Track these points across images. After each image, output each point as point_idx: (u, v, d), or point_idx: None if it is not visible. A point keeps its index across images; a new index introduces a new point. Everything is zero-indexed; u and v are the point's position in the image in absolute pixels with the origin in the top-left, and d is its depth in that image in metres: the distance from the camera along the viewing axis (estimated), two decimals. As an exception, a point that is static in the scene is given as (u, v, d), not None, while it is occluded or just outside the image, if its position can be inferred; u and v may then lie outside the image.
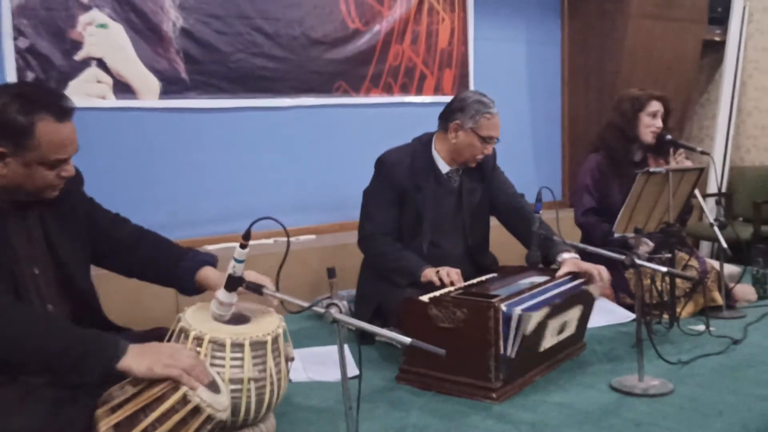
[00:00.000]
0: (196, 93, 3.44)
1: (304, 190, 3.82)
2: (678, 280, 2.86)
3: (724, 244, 2.78)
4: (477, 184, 2.72)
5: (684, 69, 5.03)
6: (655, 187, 2.55)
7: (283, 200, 3.72)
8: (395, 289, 2.43)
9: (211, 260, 1.82)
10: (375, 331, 1.55)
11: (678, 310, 2.71)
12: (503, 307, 2.00)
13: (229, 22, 3.51)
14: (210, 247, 3.30)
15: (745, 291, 3.12)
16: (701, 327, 2.61)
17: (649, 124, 3.07)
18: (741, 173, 5.06)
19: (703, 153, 2.98)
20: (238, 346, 1.57)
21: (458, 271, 2.42)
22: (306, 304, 1.58)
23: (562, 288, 2.28)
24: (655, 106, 3.08)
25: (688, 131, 5.62)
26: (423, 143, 2.70)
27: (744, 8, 5.11)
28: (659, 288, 2.75)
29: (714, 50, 5.30)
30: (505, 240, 2.78)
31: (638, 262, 2.08)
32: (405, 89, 4.25)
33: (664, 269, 2.10)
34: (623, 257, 2.09)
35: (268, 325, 1.69)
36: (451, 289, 2.29)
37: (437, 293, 2.21)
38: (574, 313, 2.31)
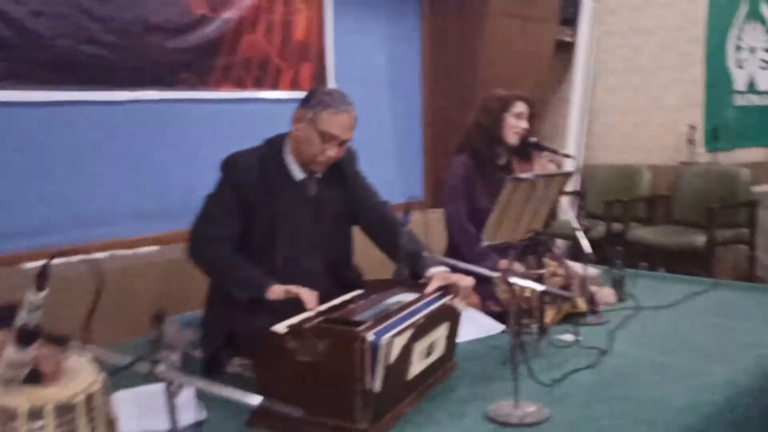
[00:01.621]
0: (9, 83, 2.94)
1: (144, 196, 3.42)
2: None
3: (588, 249, 2.74)
4: (336, 192, 2.48)
5: (539, 68, 5.08)
6: (523, 193, 2.44)
7: (119, 207, 3.30)
8: (249, 315, 2.14)
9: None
10: (212, 391, 1.27)
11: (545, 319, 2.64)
12: (370, 336, 1.78)
13: (49, 1, 3.03)
14: (31, 265, 2.83)
15: (605, 294, 3.11)
16: (569, 337, 2.54)
17: (514, 126, 2.98)
18: (592, 172, 5.20)
19: (566, 156, 2.93)
20: (35, 414, 1.23)
21: (315, 293, 2.17)
22: (126, 360, 1.26)
23: (431, 307, 2.10)
24: (521, 107, 3.00)
25: (542, 130, 5.71)
26: (274, 146, 2.42)
27: (593, 10, 5.25)
28: (527, 295, 2.68)
29: (565, 51, 5.41)
30: (371, 252, 2.57)
31: (512, 280, 1.93)
32: (259, 83, 3.94)
33: (541, 287, 1.97)
34: (496, 275, 1.94)
35: (82, 380, 1.35)
36: (311, 314, 2.04)
37: (296, 319, 1.95)
38: (441, 332, 2.14)
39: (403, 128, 4.83)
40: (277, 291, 2.16)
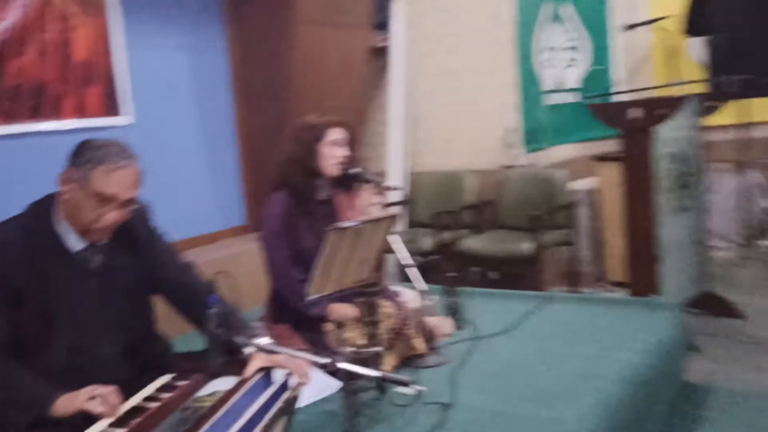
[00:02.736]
0: None
1: None
2: (379, 332, 2.57)
3: (423, 286, 2.54)
4: (127, 259, 2.06)
5: (355, 76, 4.88)
6: (348, 240, 2.18)
7: None
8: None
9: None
10: None
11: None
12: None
13: None
14: None
15: (443, 325, 2.96)
16: (410, 389, 2.32)
17: (330, 156, 2.71)
18: (419, 179, 5.09)
19: (392, 188, 2.71)
20: None
21: (114, 390, 1.78)
22: None
23: (259, 398, 1.77)
24: (336, 133, 2.73)
25: (365, 139, 5.53)
26: (41, 212, 1.96)
27: (404, 14, 5.12)
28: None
29: (380, 56, 5.24)
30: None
31: (342, 366, 1.66)
32: (35, 113, 3.36)
33: (376, 374, 1.72)
34: (327, 361, 1.66)
35: None
36: (104, 428, 1.64)
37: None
38: (278, 429, 1.82)
39: (216, 148, 4.42)
40: (65, 404, 1.74)
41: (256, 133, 4.54)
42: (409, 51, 5.16)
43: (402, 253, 2.60)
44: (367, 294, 2.20)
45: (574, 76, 5.59)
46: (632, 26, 3.79)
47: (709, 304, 4.03)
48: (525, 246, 4.08)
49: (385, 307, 2.66)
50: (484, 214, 4.79)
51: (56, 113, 3.43)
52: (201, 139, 4.32)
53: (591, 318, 3.02)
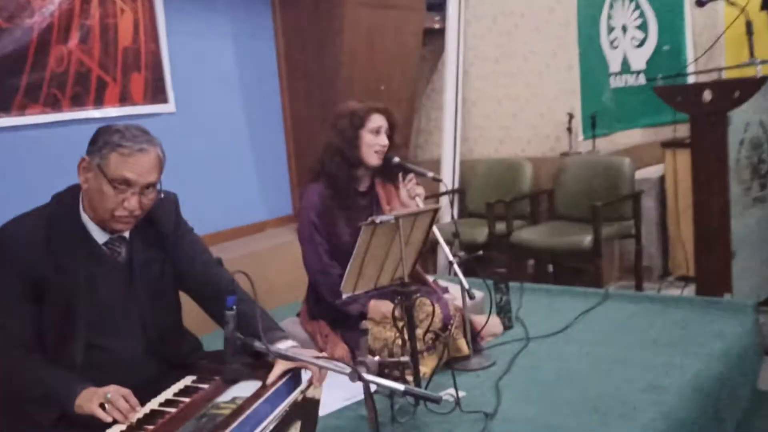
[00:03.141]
0: None
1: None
2: (419, 333, 2.42)
3: (467, 285, 2.37)
4: (153, 253, 1.97)
5: (408, 60, 4.71)
6: (384, 237, 2.03)
7: None
8: None
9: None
10: None
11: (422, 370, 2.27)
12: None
13: None
14: None
15: (491, 325, 2.77)
16: (450, 395, 2.17)
17: (372, 143, 2.55)
18: (471, 167, 4.89)
19: (435, 179, 2.54)
20: None
21: (128, 394, 1.69)
22: None
23: (282, 405, 1.66)
24: (377, 120, 2.57)
25: (417, 125, 5.36)
26: (66, 203, 1.88)
27: (460, -6, 4.90)
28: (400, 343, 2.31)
29: (435, 38, 5.06)
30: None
31: (367, 377, 1.52)
32: (78, 101, 3.32)
33: (401, 388, 1.57)
34: (348, 372, 1.52)
35: None
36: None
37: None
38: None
39: (263, 137, 4.33)
40: (87, 405, 1.68)
41: (303, 121, 4.43)
42: (464, 32, 4.95)
43: (446, 248, 2.42)
44: (403, 294, 2.04)
45: (641, 57, 5.26)
46: (704, 2, 3.47)
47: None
48: (584, 239, 3.84)
49: (426, 305, 2.51)
50: (540, 204, 4.56)
51: (100, 101, 3.39)
52: (247, 128, 4.24)
53: (652, 319, 2.78)
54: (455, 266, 2.40)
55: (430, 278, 2.94)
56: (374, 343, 2.44)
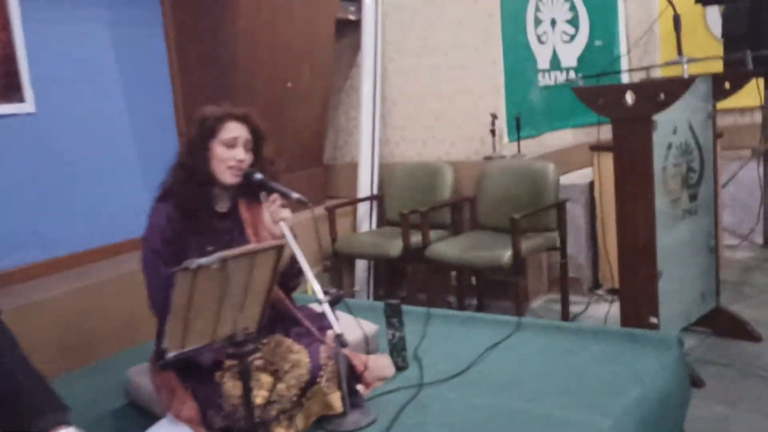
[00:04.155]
0: None
1: None
2: (282, 387, 2.02)
3: (338, 329, 1.96)
4: None
5: (319, 52, 4.28)
6: (213, 282, 1.61)
7: None
8: None
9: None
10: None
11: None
12: None
13: None
14: None
15: (380, 365, 2.39)
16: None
17: (225, 158, 2.13)
18: (391, 171, 4.49)
19: (300, 202, 2.12)
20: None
21: None
22: None
23: None
24: (234, 130, 2.15)
25: (336, 124, 4.94)
26: None
27: (376, -18, 4.49)
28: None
29: (353, 30, 4.64)
30: None
31: None
32: None
33: None
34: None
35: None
36: None
37: None
38: None
39: (152, 139, 3.84)
40: None
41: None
42: (382, 24, 4.54)
43: (316, 285, 2.01)
44: (235, 355, 1.63)
45: (572, 53, 4.94)
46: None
47: (719, 324, 3.43)
48: (503, 254, 3.48)
49: (294, 352, 2.10)
50: (463, 212, 4.19)
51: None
52: (130, 129, 3.75)
53: (565, 357, 2.43)
54: (325, 307, 1.99)
55: (317, 308, 2.55)
56: (231, 400, 2.03)
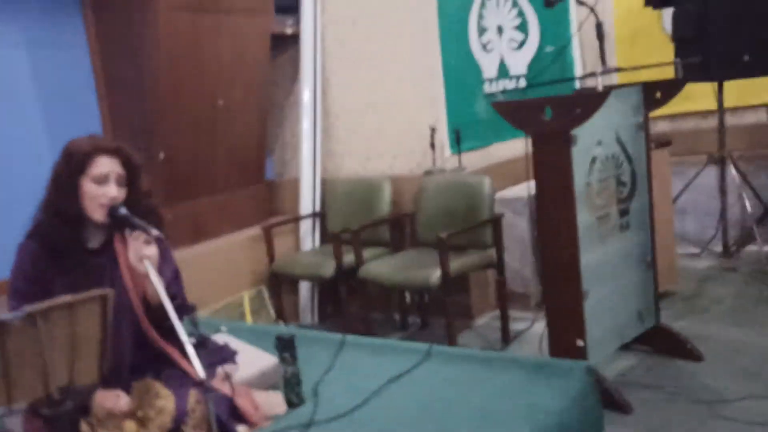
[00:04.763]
0: None
1: None
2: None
3: (201, 373, 1.84)
4: None
5: (252, 69, 4.17)
6: (27, 337, 1.49)
7: None
8: None
9: None
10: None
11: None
12: None
13: None
14: None
15: (270, 402, 2.27)
16: None
17: (96, 195, 2.02)
18: (332, 187, 4.38)
19: (158, 239, 2.00)
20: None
21: None
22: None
23: None
24: (105, 165, 2.04)
25: (282, 139, 4.84)
26: None
27: (312, -5, 4.38)
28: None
29: (292, 44, 4.53)
30: None
31: None
32: None
33: None
34: None
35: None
36: None
37: None
38: None
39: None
40: None
41: (127, 140, 3.85)
42: (321, 37, 4.43)
43: (179, 328, 1.89)
44: (55, 410, 1.51)
45: (521, 60, 4.83)
46: (553, 2, 3.03)
47: (659, 342, 3.31)
48: (432, 273, 3.36)
49: (162, 397, 1.99)
50: (403, 229, 4.07)
51: None
52: (52, 153, 3.64)
53: (466, 391, 2.31)
54: (189, 348, 1.87)
55: (221, 339, 2.45)
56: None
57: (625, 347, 3.28)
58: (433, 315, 4.06)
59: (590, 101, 2.70)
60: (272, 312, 4.06)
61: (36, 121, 3.58)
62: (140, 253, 1.98)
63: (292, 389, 2.32)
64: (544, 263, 2.93)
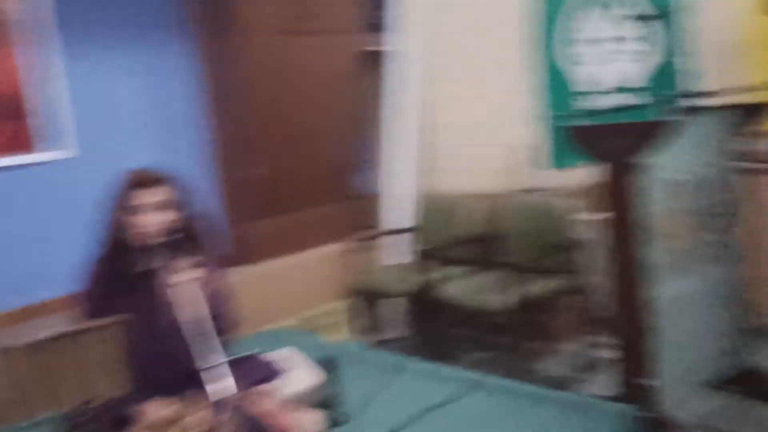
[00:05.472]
0: None
1: None
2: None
3: (215, 396, 1.96)
4: None
5: (341, 87, 4.30)
6: (64, 354, 1.68)
7: None
8: None
9: None
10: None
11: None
12: None
13: None
14: None
15: (307, 421, 2.36)
16: None
17: (136, 224, 2.22)
18: (427, 203, 4.40)
19: (207, 262, 2.14)
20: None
21: None
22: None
23: None
24: (141, 196, 2.23)
25: (379, 154, 4.92)
26: None
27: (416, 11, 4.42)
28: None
29: (391, 60, 4.60)
30: None
31: None
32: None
33: None
34: None
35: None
36: None
37: None
38: None
39: (192, 175, 4.05)
40: None
41: (230, 157, 4.14)
42: (422, 52, 4.47)
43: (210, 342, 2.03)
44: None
45: (639, 72, 4.57)
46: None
47: (750, 384, 3.04)
48: (506, 299, 3.31)
49: (198, 411, 2.14)
50: (489, 250, 4.01)
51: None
52: (171, 167, 3.99)
53: (507, 422, 2.28)
54: (218, 371, 2.00)
55: (273, 354, 2.59)
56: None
57: (715, 388, 3.04)
58: (518, 336, 3.97)
59: (663, 127, 2.54)
60: (353, 326, 4.17)
61: (152, 143, 3.92)
62: (179, 277, 2.14)
63: (333, 409, 2.41)
64: (613, 295, 2.80)
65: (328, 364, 2.40)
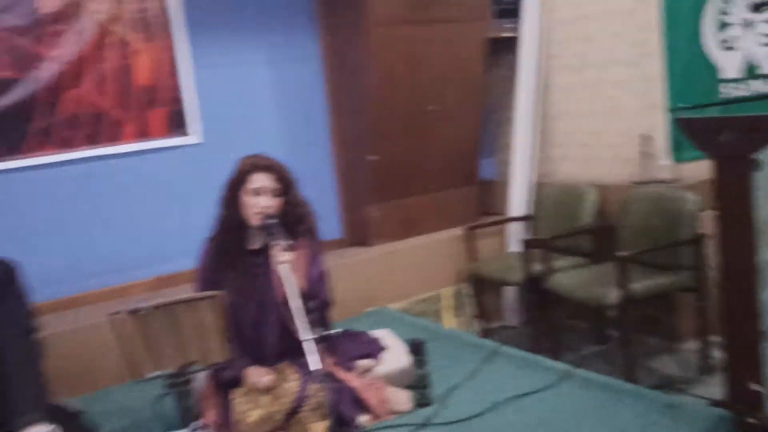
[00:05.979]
0: None
1: None
2: (274, 410, 2.26)
3: (314, 366, 2.13)
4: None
5: (466, 73, 4.34)
6: (158, 321, 1.92)
7: None
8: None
9: None
10: None
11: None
12: None
13: None
14: None
15: (398, 399, 2.49)
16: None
17: (252, 204, 2.43)
18: (544, 191, 4.37)
19: (306, 245, 2.31)
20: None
21: None
22: None
23: None
24: (259, 180, 2.45)
25: (502, 141, 4.93)
26: None
27: None
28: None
29: (510, 48, 4.58)
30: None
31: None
32: (93, 140, 3.60)
33: None
34: None
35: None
36: None
37: None
38: None
39: (309, 161, 4.28)
40: None
41: (348, 143, 4.32)
42: (543, 39, 4.41)
43: (299, 322, 2.19)
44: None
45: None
46: None
47: None
48: (608, 294, 3.24)
49: (290, 381, 2.33)
50: (603, 241, 3.92)
51: (115, 137, 3.64)
52: (290, 153, 4.24)
53: (590, 416, 2.28)
54: (307, 346, 2.17)
55: (377, 333, 2.75)
56: (237, 417, 2.33)
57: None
58: (632, 331, 3.87)
59: (776, 122, 2.39)
60: (463, 312, 4.24)
61: (273, 129, 4.18)
62: (278, 258, 2.33)
63: (420, 390, 2.52)
64: (722, 298, 2.67)
65: (417, 346, 2.50)
